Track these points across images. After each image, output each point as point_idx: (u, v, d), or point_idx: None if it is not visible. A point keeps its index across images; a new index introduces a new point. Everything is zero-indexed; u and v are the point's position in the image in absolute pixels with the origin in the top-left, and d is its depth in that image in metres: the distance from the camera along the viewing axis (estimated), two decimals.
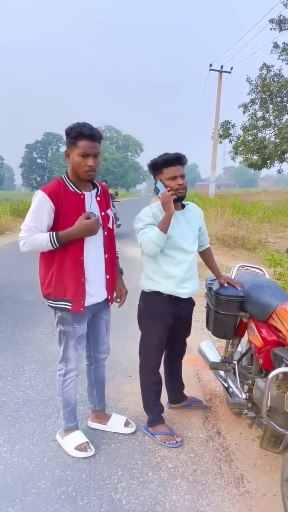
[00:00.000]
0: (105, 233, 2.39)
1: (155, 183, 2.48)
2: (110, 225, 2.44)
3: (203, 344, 3.15)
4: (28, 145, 78.72)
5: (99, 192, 2.40)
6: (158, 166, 2.46)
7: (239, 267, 3.05)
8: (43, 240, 2.18)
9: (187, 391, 3.04)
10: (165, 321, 2.59)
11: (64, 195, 2.22)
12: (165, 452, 2.51)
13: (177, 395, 2.98)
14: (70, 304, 2.28)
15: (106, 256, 2.40)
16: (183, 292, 2.55)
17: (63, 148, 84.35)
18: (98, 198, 2.38)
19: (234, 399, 2.54)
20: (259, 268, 3.08)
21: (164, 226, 2.38)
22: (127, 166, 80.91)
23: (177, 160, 2.44)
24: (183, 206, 2.58)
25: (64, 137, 2.29)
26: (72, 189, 2.26)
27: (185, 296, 2.58)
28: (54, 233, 2.18)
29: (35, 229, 2.21)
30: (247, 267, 3.16)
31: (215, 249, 9.87)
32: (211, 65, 24.19)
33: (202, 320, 3.14)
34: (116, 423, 2.71)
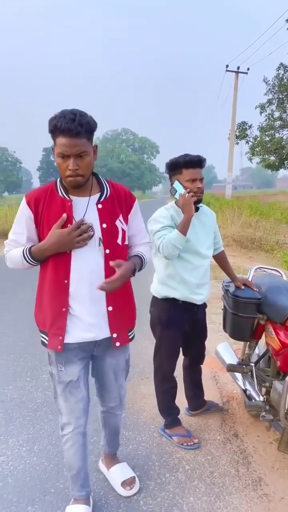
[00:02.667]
0: (107, 251, 1.80)
1: (172, 184, 2.43)
2: (119, 241, 1.86)
3: (219, 346, 3.14)
4: (46, 149, 79.47)
5: (103, 198, 1.83)
6: (178, 166, 2.40)
7: (256, 269, 3.03)
8: (18, 256, 1.81)
9: (205, 394, 3.03)
10: (181, 328, 2.58)
11: (48, 201, 1.77)
12: (182, 453, 2.52)
13: (198, 402, 2.94)
14: (46, 338, 1.86)
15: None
16: (198, 298, 2.52)
17: None
18: (100, 206, 1.81)
19: (252, 401, 2.53)
20: (276, 270, 3.06)
21: (183, 228, 2.31)
22: (143, 168, 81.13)
23: (199, 162, 2.40)
24: (197, 209, 2.50)
25: None
26: (60, 194, 1.78)
27: (199, 303, 2.56)
28: (27, 247, 1.79)
29: (14, 243, 1.85)
30: (264, 269, 3.14)
31: (232, 251, 9.83)
32: (227, 66, 24.10)
33: (219, 323, 3.13)
34: (116, 475, 2.23)
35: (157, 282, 2.57)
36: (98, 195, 1.84)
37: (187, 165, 2.38)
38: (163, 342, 2.62)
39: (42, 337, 1.88)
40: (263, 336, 2.64)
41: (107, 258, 1.80)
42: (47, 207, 1.76)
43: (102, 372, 2.01)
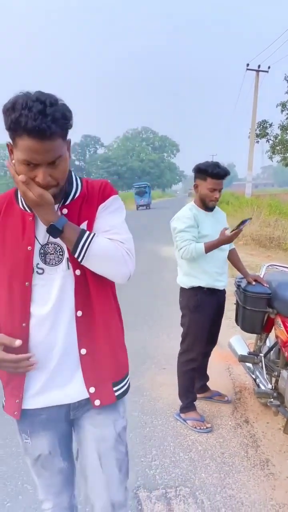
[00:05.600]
0: (77, 272, 1.27)
1: (194, 185, 2.69)
2: None
3: (233, 339, 3.32)
4: None
5: (70, 199, 1.30)
6: (206, 174, 2.64)
7: (268, 266, 3.21)
8: None
9: (218, 384, 3.23)
10: (208, 313, 2.81)
11: (4, 213, 1.29)
12: (196, 436, 2.72)
13: (199, 385, 3.13)
14: (4, 398, 1.38)
15: (80, 314, 1.29)
16: (220, 284, 2.79)
17: (100, 150, 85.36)
18: (65, 210, 1.28)
19: (261, 388, 2.71)
20: (287, 267, 3.22)
21: (210, 248, 2.59)
22: (163, 167, 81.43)
23: (224, 176, 2.64)
24: (211, 209, 2.78)
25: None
26: (20, 205, 1.29)
27: (221, 288, 2.83)
28: None
29: None
30: (276, 266, 3.31)
31: (251, 250, 9.93)
32: (248, 65, 24.00)
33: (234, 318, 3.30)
34: None
35: (182, 274, 2.84)
36: (63, 200, 1.29)
37: (213, 175, 2.63)
38: (193, 327, 2.83)
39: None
40: (273, 329, 2.81)
41: (78, 281, 1.28)
42: (3, 221, 1.29)
43: (82, 449, 1.40)
